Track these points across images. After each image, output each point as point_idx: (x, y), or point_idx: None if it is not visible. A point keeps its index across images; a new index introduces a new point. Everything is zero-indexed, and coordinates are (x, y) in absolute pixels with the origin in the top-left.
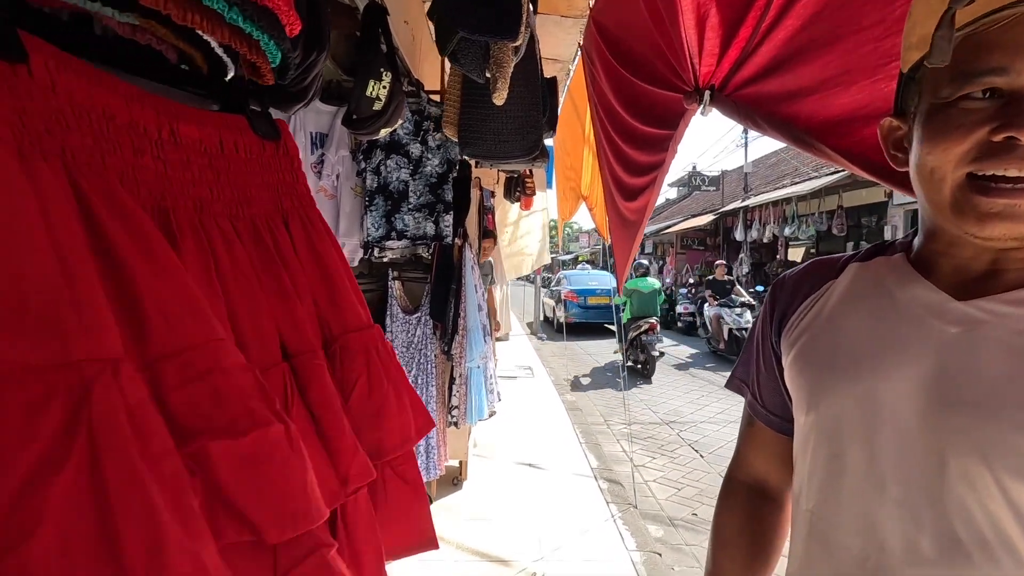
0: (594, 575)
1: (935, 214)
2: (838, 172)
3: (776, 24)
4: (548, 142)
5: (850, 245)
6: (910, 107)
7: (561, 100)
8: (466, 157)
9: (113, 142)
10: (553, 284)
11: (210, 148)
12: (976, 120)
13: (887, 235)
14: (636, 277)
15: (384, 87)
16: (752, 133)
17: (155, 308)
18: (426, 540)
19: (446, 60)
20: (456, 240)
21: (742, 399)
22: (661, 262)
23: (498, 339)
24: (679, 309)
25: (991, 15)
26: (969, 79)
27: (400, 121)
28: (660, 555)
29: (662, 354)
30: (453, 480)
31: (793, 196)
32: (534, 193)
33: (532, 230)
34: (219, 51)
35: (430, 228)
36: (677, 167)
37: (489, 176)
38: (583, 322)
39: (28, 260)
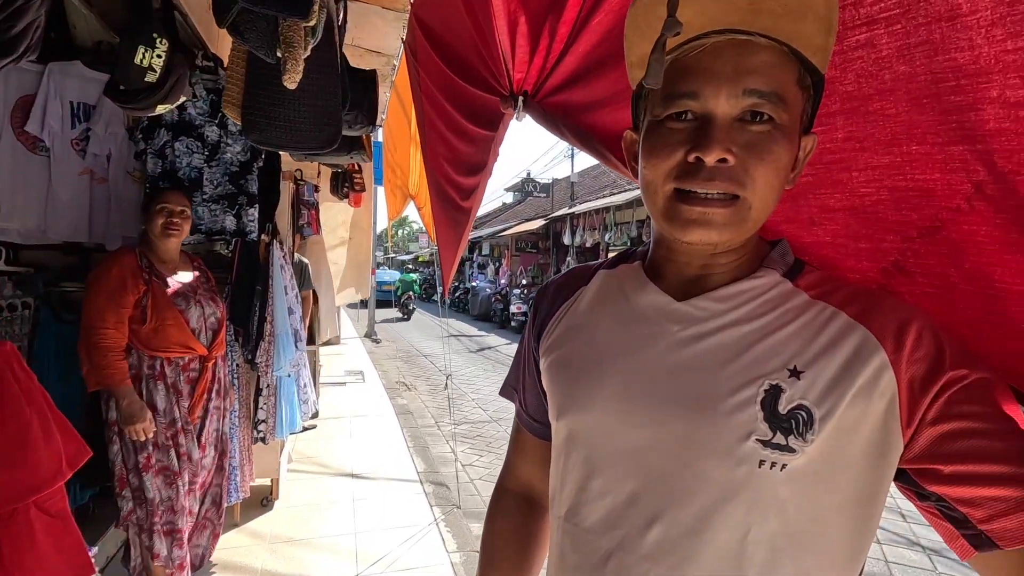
0: None
1: (657, 222)
2: None
3: (578, 36)
4: (378, 137)
5: None
6: (639, 122)
7: (388, 95)
8: (255, 145)
9: None
10: None
11: None
12: (677, 141)
13: None
14: (405, 273)
15: (159, 56)
16: None
17: None
18: (80, 569)
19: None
20: (263, 236)
21: None
22: (497, 263)
23: (328, 343)
24: (513, 309)
25: (690, 42)
26: (672, 101)
27: (183, 99)
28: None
29: (414, 308)
30: (262, 501)
31: (612, 205)
32: (364, 189)
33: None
34: None
35: (230, 222)
36: (511, 173)
37: (311, 169)
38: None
39: None
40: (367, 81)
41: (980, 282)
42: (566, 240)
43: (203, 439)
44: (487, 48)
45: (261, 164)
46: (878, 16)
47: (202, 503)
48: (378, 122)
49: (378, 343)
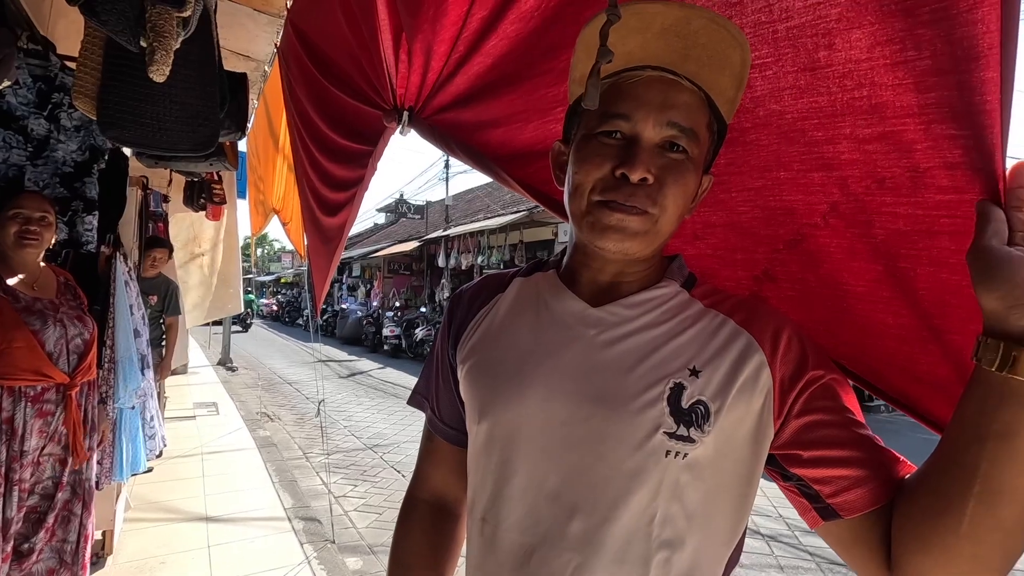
0: None
1: (576, 228)
2: (520, 211)
3: (468, 58)
4: (241, 146)
5: None
6: (572, 134)
7: (255, 102)
8: (113, 143)
9: None
10: None
11: None
12: (607, 155)
13: None
14: (245, 294)
15: None
16: (453, 168)
17: None
18: None
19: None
20: (103, 249)
21: None
22: (368, 285)
23: (174, 373)
24: (385, 332)
25: (630, 71)
26: (607, 119)
27: (6, 83)
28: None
29: (252, 323)
30: (94, 557)
31: (486, 229)
32: (224, 202)
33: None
34: None
35: (61, 231)
36: (384, 193)
37: (160, 177)
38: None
39: None
40: (237, 84)
41: (831, 285)
42: (440, 262)
43: (35, 488)
44: (369, 61)
45: (103, 166)
46: (755, 62)
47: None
48: (245, 129)
49: (234, 371)
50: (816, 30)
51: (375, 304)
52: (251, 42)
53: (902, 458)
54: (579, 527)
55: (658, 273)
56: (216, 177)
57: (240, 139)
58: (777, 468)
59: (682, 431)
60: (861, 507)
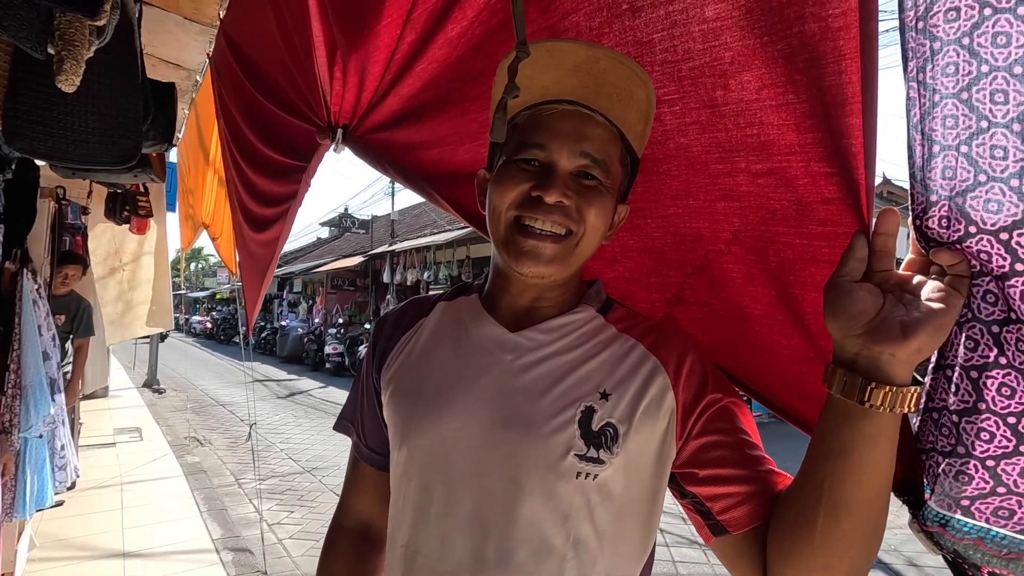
0: None
1: (497, 251)
2: (467, 227)
3: (400, 79)
4: (173, 156)
5: None
6: (494, 162)
7: (185, 112)
8: (20, 154)
9: None
10: None
11: None
12: (524, 178)
13: None
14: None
15: None
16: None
17: None
18: None
19: None
20: (8, 265)
21: None
22: (310, 301)
23: (91, 396)
24: (328, 349)
25: (547, 104)
26: (525, 148)
27: None
28: None
29: (168, 333)
30: None
31: (432, 244)
32: (150, 214)
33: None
34: None
35: None
36: (328, 207)
37: (78, 187)
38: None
39: None
40: (164, 94)
41: (733, 308)
42: (386, 278)
43: None
44: (303, 76)
45: (9, 176)
46: (663, 98)
47: None
48: (174, 140)
49: (161, 393)
50: (713, 71)
51: (317, 321)
52: (181, 51)
53: (791, 478)
54: (493, 551)
55: (576, 298)
56: (142, 189)
57: (167, 151)
58: (676, 486)
59: (592, 453)
60: (746, 523)
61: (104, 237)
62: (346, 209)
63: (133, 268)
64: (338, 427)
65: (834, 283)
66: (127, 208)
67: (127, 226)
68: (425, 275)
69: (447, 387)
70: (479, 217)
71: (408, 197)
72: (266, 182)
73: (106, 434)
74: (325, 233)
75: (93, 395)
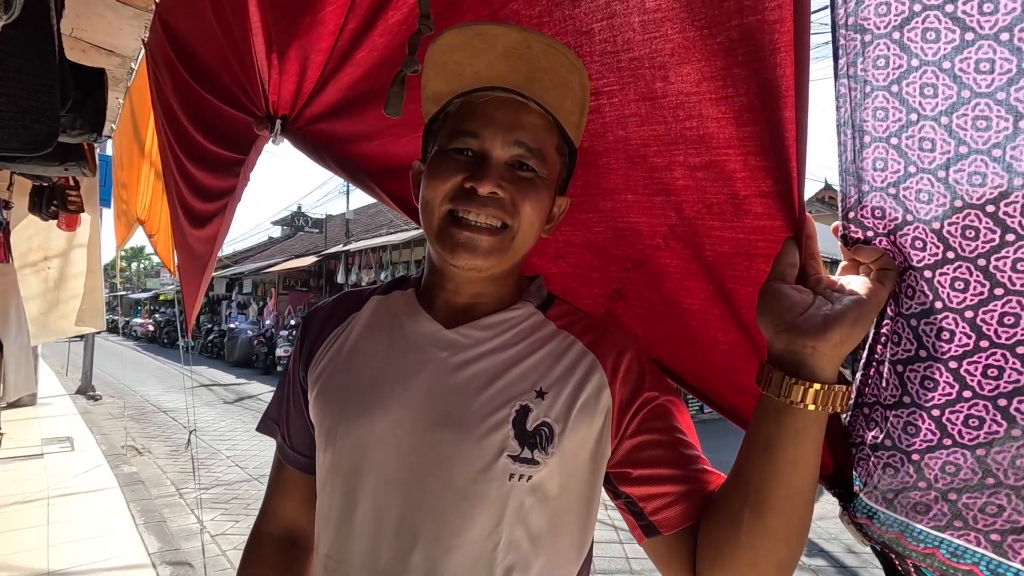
0: None
1: (431, 245)
2: None
3: (341, 68)
4: (108, 151)
5: None
6: (428, 153)
7: (120, 101)
8: None
9: None
10: None
11: None
12: (456, 168)
13: None
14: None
15: None
16: None
17: None
18: None
19: None
20: None
21: None
22: (261, 303)
23: (17, 404)
24: (279, 352)
25: (480, 91)
26: (457, 136)
27: None
28: None
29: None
30: None
31: (389, 244)
32: (80, 210)
33: (88, 267)
34: None
35: None
36: (280, 206)
37: None
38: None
39: None
40: (93, 80)
41: (672, 303)
42: (340, 278)
43: None
44: (240, 64)
45: None
46: (602, 89)
47: None
48: (105, 131)
49: (97, 400)
50: (653, 63)
51: (268, 323)
52: (114, 35)
53: (724, 477)
54: (420, 559)
55: (515, 294)
56: (73, 182)
57: (96, 140)
58: (610, 486)
59: (526, 454)
60: (678, 523)
61: (26, 232)
62: (299, 207)
63: (60, 265)
64: (261, 428)
65: (765, 286)
66: (55, 203)
67: (55, 222)
68: (381, 275)
69: (378, 385)
70: (413, 207)
71: (364, 196)
72: (205, 175)
73: (33, 445)
74: (277, 232)
75: (19, 403)
